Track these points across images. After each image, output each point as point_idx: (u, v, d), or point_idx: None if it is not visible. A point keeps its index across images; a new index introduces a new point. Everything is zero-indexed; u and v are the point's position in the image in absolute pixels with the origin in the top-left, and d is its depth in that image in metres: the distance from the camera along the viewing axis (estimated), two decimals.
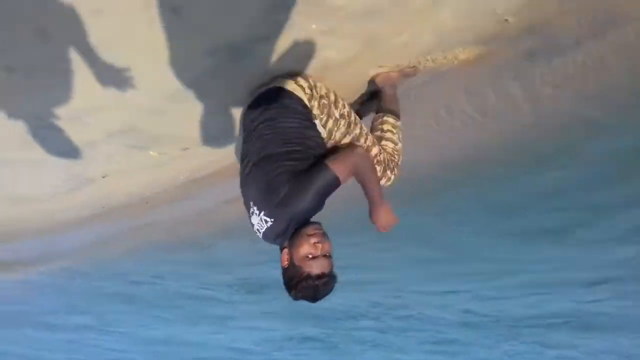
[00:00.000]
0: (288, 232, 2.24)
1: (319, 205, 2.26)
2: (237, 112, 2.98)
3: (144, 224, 5.73)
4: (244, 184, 2.44)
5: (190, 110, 3.00)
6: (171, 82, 2.66)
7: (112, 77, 2.49)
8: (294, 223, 2.22)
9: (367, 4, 2.38)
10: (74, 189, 4.09)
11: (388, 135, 2.86)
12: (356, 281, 5.71)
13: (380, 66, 2.99)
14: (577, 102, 3.48)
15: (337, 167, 2.23)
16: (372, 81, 3.11)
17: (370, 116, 3.16)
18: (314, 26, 2.43)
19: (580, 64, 3.20)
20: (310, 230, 2.21)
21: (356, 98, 3.31)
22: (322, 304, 2.26)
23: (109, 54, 2.35)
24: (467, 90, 3.60)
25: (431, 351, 7.02)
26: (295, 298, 2.22)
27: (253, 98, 2.61)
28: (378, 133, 2.87)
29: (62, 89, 2.54)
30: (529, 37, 3.09)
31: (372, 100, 3.23)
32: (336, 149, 2.47)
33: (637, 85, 3.18)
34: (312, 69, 2.74)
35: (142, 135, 3.25)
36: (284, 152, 2.31)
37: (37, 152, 3.17)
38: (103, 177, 4.04)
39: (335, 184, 2.23)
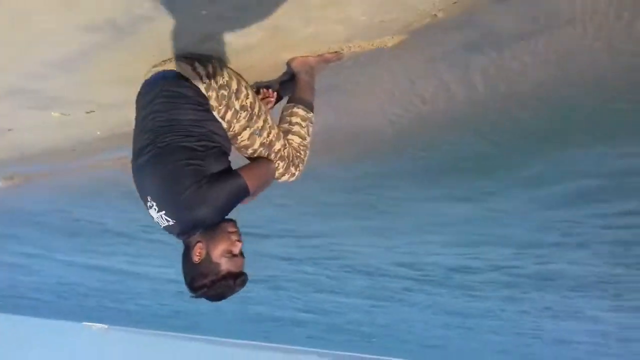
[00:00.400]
0: (191, 233, 2.11)
1: (227, 213, 2.15)
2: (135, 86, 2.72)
3: (71, 168, 5.52)
4: (137, 173, 2.23)
5: (83, 79, 2.85)
6: (54, 52, 2.52)
7: None
8: (199, 226, 2.09)
9: None
10: None
11: (296, 128, 2.63)
12: None
13: None
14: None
15: (252, 182, 2.20)
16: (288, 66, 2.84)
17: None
18: (203, 12, 2.16)
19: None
20: (230, 227, 2.13)
21: (275, 77, 3.05)
22: None
23: None
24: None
25: None
26: (198, 296, 2.11)
27: (148, 78, 2.39)
28: (285, 125, 2.63)
29: None
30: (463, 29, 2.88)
31: (292, 81, 2.99)
32: (252, 159, 2.43)
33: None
34: (212, 51, 2.48)
35: (34, 98, 3.09)
36: (185, 148, 2.12)
37: None
38: (9, 129, 3.81)
39: (245, 195, 2.19)
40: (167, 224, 2.12)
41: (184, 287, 2.13)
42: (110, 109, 3.36)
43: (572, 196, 4.80)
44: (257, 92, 2.81)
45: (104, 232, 7.97)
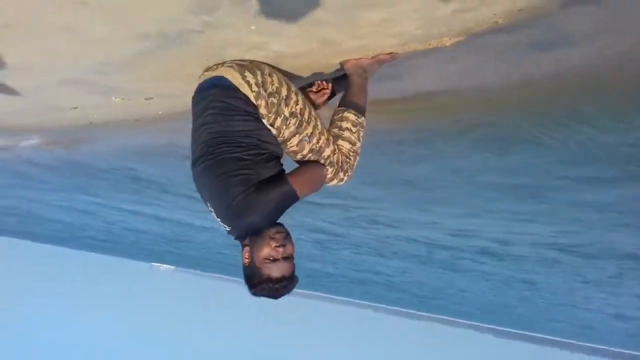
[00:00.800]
0: (247, 236, 2.21)
1: (276, 218, 2.22)
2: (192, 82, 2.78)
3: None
4: (196, 181, 2.34)
5: (138, 76, 3.00)
6: (109, 54, 2.66)
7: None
8: (250, 231, 2.18)
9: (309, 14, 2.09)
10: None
11: (346, 134, 2.57)
12: None
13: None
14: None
15: (300, 186, 2.23)
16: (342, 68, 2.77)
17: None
18: (253, 27, 2.14)
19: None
20: (272, 232, 2.16)
21: (330, 72, 3.00)
22: None
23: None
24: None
25: None
26: (254, 295, 2.22)
27: (201, 81, 2.42)
28: (336, 130, 2.58)
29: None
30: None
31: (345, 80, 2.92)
32: (301, 163, 2.43)
33: None
34: (261, 58, 2.46)
35: (95, 86, 3.26)
36: (235, 158, 2.20)
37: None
38: (74, 108, 3.99)
39: (294, 201, 2.24)
40: (225, 228, 2.26)
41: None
42: (167, 98, 3.46)
43: None
44: (311, 85, 2.79)
45: (163, 190, 8.37)
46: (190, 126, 2.37)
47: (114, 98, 3.53)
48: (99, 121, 4.96)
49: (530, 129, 4.09)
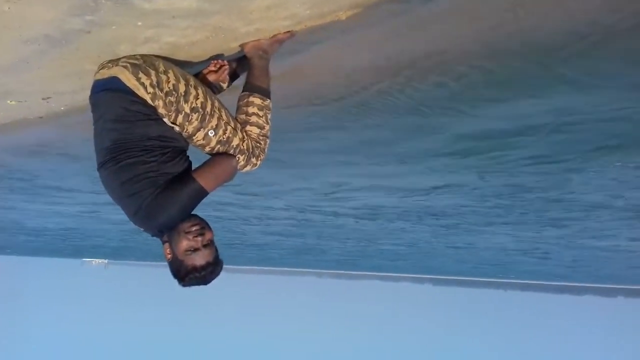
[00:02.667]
0: (160, 234, 2.26)
1: (186, 215, 2.25)
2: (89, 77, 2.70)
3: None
4: (104, 183, 2.34)
5: (30, 78, 2.89)
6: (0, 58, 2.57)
7: None
8: (164, 229, 2.24)
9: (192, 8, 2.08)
10: None
11: (253, 119, 2.57)
12: None
13: None
14: None
15: (207, 182, 2.26)
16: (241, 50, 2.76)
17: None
18: (139, 23, 2.11)
19: None
20: (186, 227, 2.21)
21: (230, 55, 2.98)
22: None
23: None
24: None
25: None
26: (185, 286, 2.28)
27: (97, 79, 2.37)
28: (243, 117, 2.57)
29: None
30: None
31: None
32: (211, 155, 2.43)
33: None
34: (155, 50, 2.44)
35: None
36: (139, 162, 2.21)
37: None
38: None
39: (203, 196, 2.27)
40: (140, 229, 2.30)
41: None
42: (66, 95, 3.34)
43: None
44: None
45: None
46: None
47: (9, 101, 3.38)
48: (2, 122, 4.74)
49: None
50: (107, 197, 2.35)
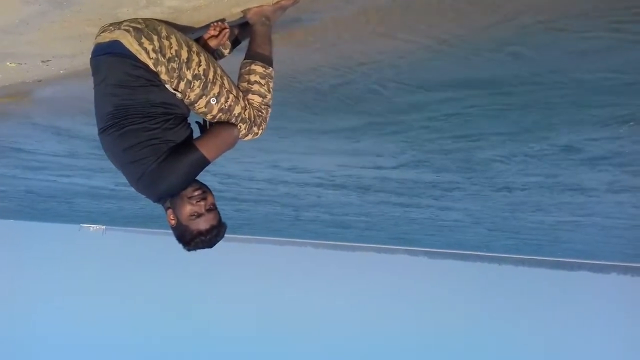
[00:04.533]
0: (162, 202, 2.33)
1: (188, 183, 2.28)
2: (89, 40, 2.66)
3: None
4: (106, 149, 2.35)
5: (31, 39, 2.85)
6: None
7: None
8: (165, 196, 2.29)
9: None
10: None
11: (255, 87, 2.55)
12: None
13: None
14: None
15: (208, 151, 2.28)
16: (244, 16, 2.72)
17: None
18: None
19: None
20: (189, 192, 2.26)
21: (233, 20, 2.95)
22: None
23: None
24: None
25: None
26: (190, 250, 2.34)
27: (98, 42, 2.34)
28: (245, 85, 2.54)
29: None
30: None
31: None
32: (212, 124, 2.43)
33: None
34: (158, 14, 2.41)
35: None
36: (142, 129, 2.22)
37: None
38: None
39: (205, 165, 2.30)
40: (141, 195, 2.34)
41: None
42: (66, 58, 3.32)
43: None
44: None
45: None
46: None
47: (8, 63, 3.35)
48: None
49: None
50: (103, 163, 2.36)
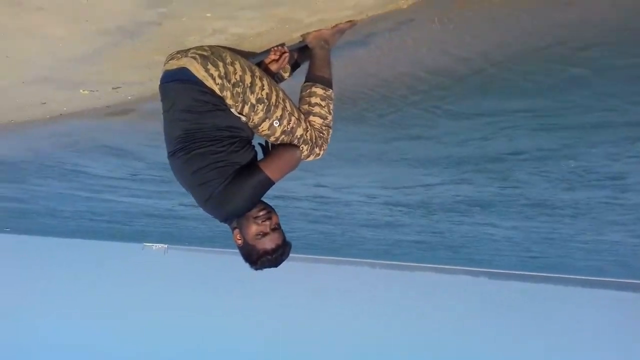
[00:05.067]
0: (229, 221, 2.38)
1: (254, 204, 2.34)
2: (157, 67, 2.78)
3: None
4: (175, 171, 2.44)
5: (103, 69, 3.02)
6: (72, 51, 2.67)
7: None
8: (232, 217, 2.34)
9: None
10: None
11: (316, 109, 2.59)
12: None
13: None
14: None
15: (272, 172, 2.33)
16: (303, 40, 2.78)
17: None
18: (208, 15, 2.16)
19: None
20: (254, 213, 2.31)
21: (292, 44, 3.02)
22: None
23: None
24: None
25: None
26: (257, 269, 2.39)
27: (166, 69, 2.43)
28: (306, 107, 2.59)
29: None
30: None
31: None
32: (275, 146, 2.48)
33: None
34: (222, 41, 2.49)
35: (61, 83, 3.31)
36: (209, 152, 2.29)
37: None
38: (43, 103, 4.00)
39: (269, 186, 2.34)
40: (209, 215, 2.40)
41: None
42: (134, 85, 3.48)
43: None
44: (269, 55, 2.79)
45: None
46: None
47: (81, 91, 3.54)
48: (68, 112, 4.96)
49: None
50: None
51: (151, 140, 6.29)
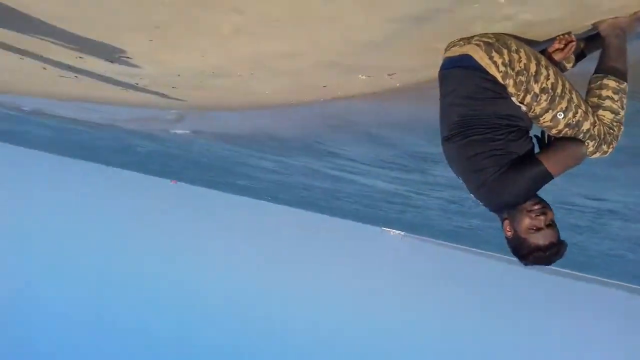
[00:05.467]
0: (500, 211, 2.32)
1: (530, 196, 2.28)
2: (431, 56, 2.88)
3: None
4: (448, 156, 2.48)
5: (385, 54, 3.20)
6: (361, 37, 2.90)
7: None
8: (503, 207, 2.30)
9: None
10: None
11: (607, 103, 2.39)
12: None
13: None
14: None
15: (553, 166, 2.24)
16: (594, 28, 2.59)
17: (597, 53, 2.70)
18: (502, 0, 2.16)
19: None
20: (528, 206, 2.24)
21: (579, 34, 2.83)
22: None
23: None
24: None
25: None
26: (527, 264, 2.32)
27: (448, 56, 2.49)
28: (595, 100, 2.39)
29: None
30: None
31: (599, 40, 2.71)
32: (557, 139, 2.37)
33: None
34: (508, 29, 2.45)
35: (345, 67, 3.62)
36: (485, 139, 2.28)
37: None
38: (324, 86, 4.43)
39: (548, 180, 2.26)
40: (479, 203, 2.40)
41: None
42: (409, 72, 3.62)
43: None
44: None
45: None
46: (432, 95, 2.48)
47: (360, 76, 3.82)
48: (342, 95, 5.38)
49: None
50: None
51: (405, 128, 6.55)
